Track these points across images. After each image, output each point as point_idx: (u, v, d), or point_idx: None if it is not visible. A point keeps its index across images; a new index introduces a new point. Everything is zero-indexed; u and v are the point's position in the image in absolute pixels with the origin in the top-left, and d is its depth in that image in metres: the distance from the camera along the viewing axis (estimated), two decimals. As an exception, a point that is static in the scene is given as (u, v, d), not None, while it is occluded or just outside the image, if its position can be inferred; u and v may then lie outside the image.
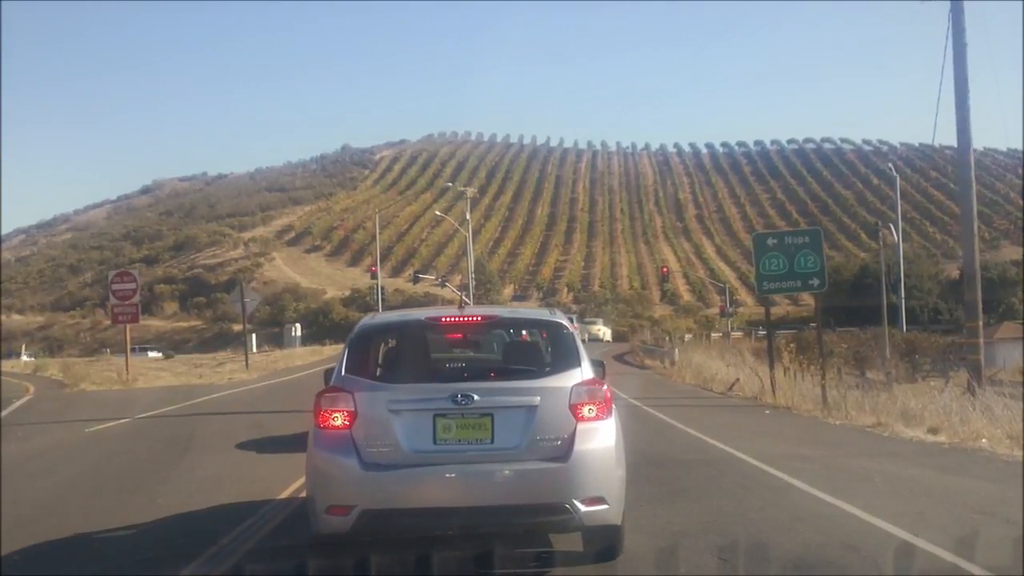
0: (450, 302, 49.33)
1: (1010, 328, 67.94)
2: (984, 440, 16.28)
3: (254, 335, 69.84)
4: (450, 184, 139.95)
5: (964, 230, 26.82)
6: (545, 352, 8.91)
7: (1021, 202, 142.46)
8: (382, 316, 10.08)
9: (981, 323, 26.09)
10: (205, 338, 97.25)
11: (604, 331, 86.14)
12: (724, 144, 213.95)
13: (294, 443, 14.73)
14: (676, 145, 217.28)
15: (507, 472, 7.52)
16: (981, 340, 25.59)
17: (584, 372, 8.04)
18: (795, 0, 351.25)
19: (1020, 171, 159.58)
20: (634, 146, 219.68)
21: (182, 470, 15.21)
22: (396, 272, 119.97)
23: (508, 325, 10.42)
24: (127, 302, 40.25)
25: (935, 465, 14.10)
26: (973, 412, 18.38)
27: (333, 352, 53.82)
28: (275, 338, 79.25)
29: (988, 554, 8.16)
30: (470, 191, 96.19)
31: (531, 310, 13.51)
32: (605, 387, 8.09)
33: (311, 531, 7.79)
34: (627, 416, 14.37)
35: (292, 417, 20.27)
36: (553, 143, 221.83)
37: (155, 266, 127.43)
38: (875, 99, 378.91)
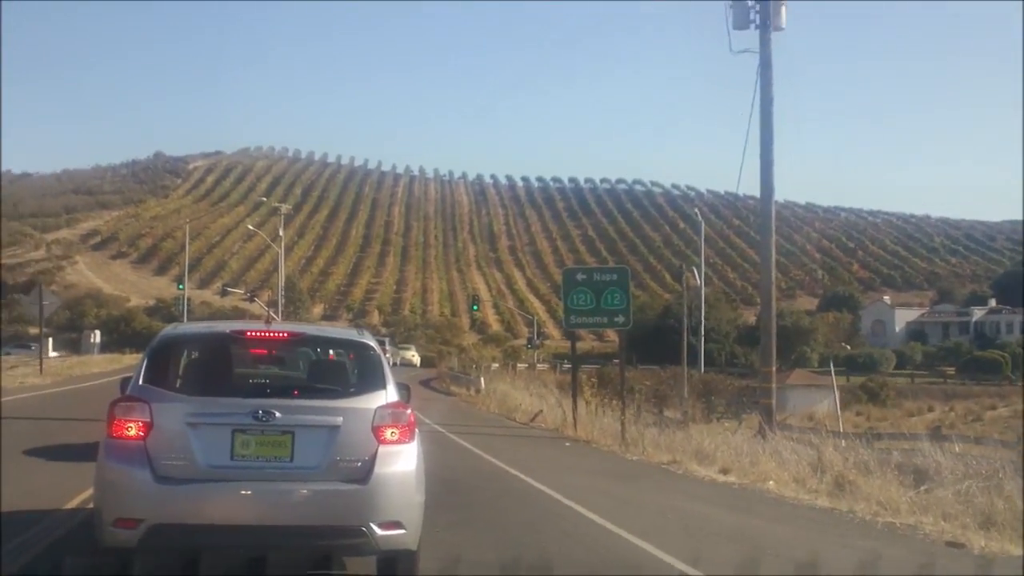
0: (258, 317, 48.42)
1: (801, 375, 71.00)
2: (771, 482, 16.79)
3: (51, 339, 67.19)
4: (264, 199, 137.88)
5: (762, 278, 27.77)
6: (351, 373, 8.85)
7: (817, 255, 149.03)
8: (186, 326, 9.83)
9: (774, 369, 27.07)
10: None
11: (416, 357, 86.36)
12: (540, 179, 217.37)
13: (86, 452, 14.17)
14: (493, 176, 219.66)
15: (304, 492, 7.44)
16: (774, 385, 26.47)
17: (389, 395, 8.00)
18: (616, 40, 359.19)
19: (816, 224, 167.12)
20: (451, 174, 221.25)
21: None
22: (204, 284, 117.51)
23: (315, 343, 10.26)
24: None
25: (725, 504, 14.51)
26: (763, 455, 18.95)
27: (133, 361, 52.00)
28: (72, 344, 76.41)
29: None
30: (285, 207, 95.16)
31: (339, 329, 13.39)
32: (409, 411, 8.07)
33: (96, 544, 7.50)
34: (430, 442, 14.35)
35: (86, 425, 19.48)
36: (371, 165, 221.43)
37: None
38: (685, 146, 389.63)
